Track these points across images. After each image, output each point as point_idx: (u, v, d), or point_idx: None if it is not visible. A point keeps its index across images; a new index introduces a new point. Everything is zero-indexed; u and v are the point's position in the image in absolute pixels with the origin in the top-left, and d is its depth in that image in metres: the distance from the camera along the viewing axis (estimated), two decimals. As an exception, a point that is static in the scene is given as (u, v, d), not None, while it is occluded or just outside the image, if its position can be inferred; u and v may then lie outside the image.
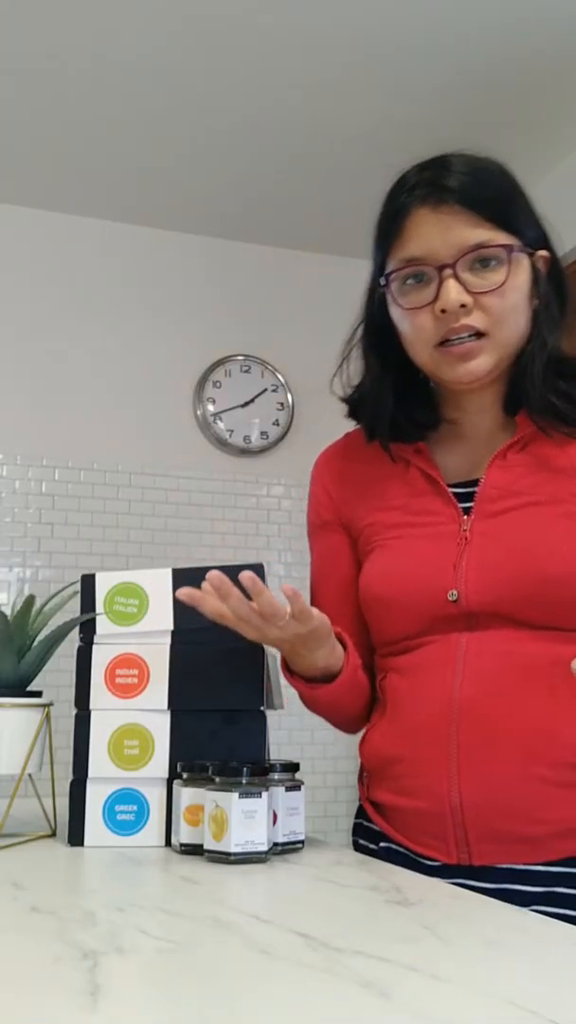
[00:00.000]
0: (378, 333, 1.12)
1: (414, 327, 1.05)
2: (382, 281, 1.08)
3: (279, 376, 3.45)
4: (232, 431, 3.37)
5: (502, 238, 1.02)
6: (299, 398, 3.45)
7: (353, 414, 1.18)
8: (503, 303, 1.02)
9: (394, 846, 1.08)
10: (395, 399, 1.13)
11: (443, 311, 1.02)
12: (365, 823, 1.15)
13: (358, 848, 1.15)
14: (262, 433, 3.40)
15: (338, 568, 1.19)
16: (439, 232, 1.01)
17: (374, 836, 1.12)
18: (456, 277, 1.01)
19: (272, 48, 2.52)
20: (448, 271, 1.01)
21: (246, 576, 0.97)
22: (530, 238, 1.05)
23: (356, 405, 1.17)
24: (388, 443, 1.14)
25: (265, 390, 3.43)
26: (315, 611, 1.01)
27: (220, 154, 3.00)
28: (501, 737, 0.99)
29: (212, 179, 3.13)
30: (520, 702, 0.99)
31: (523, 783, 0.98)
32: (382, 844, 1.10)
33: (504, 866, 0.99)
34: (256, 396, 3.42)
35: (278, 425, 3.42)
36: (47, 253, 3.28)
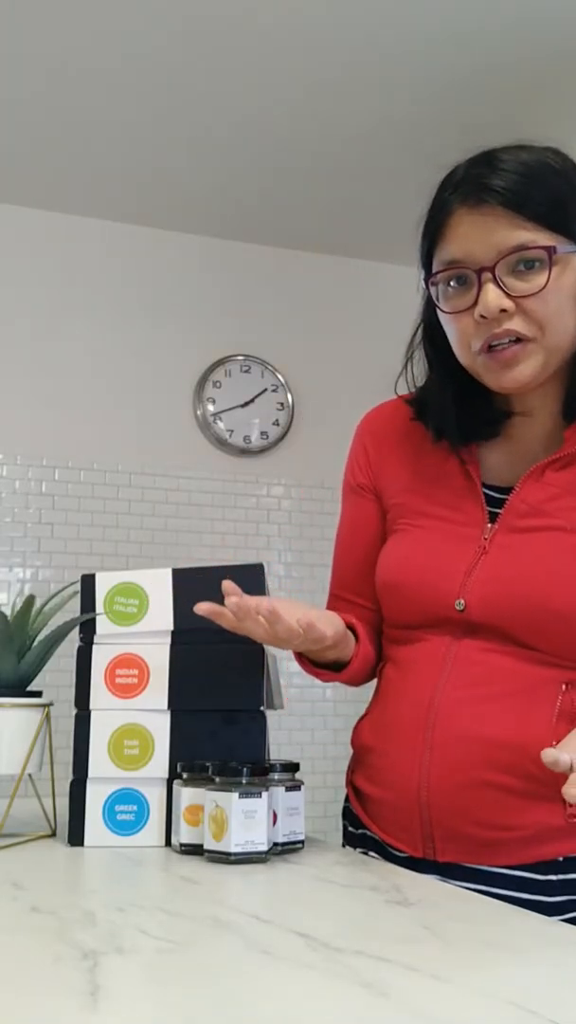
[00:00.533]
0: (434, 332, 1.10)
1: (458, 331, 1.02)
2: (424, 284, 1.06)
3: (279, 376, 3.45)
4: (232, 431, 3.37)
5: (544, 239, 0.97)
6: (299, 398, 3.45)
7: (419, 415, 1.15)
8: (546, 307, 0.98)
9: (369, 833, 1.11)
10: (460, 400, 1.09)
11: (483, 316, 0.98)
12: (348, 806, 1.19)
13: (344, 830, 1.19)
14: (262, 433, 3.40)
15: (367, 537, 1.19)
16: (478, 234, 0.98)
17: (355, 821, 1.16)
18: (496, 280, 0.97)
19: (272, 48, 2.51)
20: (487, 274, 0.97)
21: (264, 607, 0.97)
22: None
23: (422, 406, 1.14)
24: (458, 447, 1.11)
25: (265, 390, 3.43)
26: (328, 631, 1.01)
27: (220, 154, 3.00)
28: (472, 743, 1.00)
29: (212, 179, 3.13)
30: (496, 713, 1.00)
31: (489, 790, 0.99)
32: (360, 830, 1.13)
33: (469, 865, 1.01)
34: (256, 396, 3.42)
35: (278, 425, 3.42)
36: (47, 253, 3.28)
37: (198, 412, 3.36)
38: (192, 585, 1.13)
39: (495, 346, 1.00)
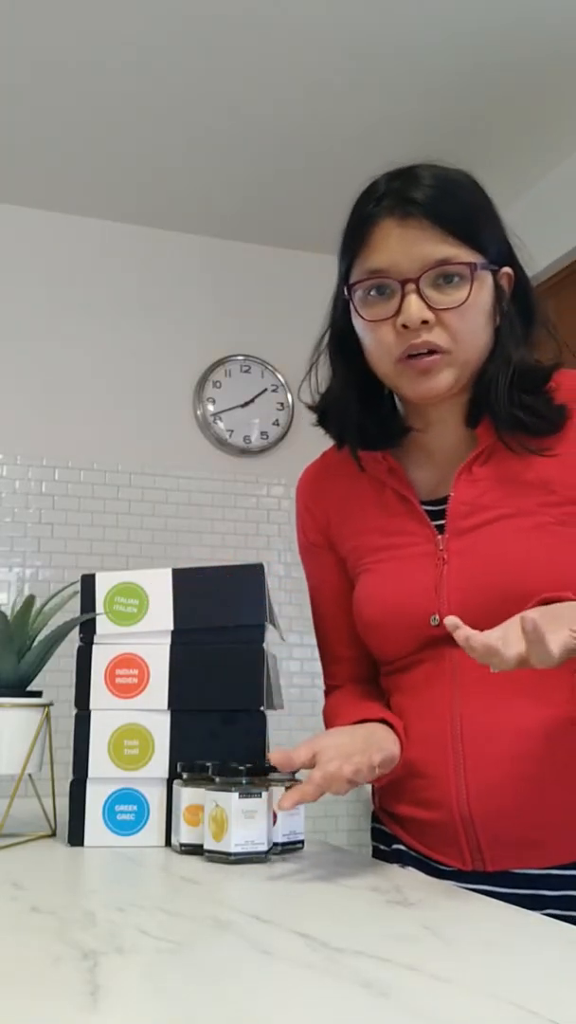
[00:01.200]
0: (343, 339, 1.12)
1: (376, 340, 1.05)
2: (345, 291, 1.08)
3: (279, 376, 3.45)
4: (232, 431, 3.37)
5: (466, 255, 1.01)
6: (299, 398, 3.45)
7: (321, 422, 1.17)
8: (463, 321, 1.01)
9: (404, 848, 1.10)
10: (362, 406, 1.12)
11: (404, 326, 1.01)
12: (379, 826, 1.17)
13: (374, 848, 1.18)
14: (262, 433, 3.40)
15: (332, 588, 1.20)
16: (404, 246, 1.01)
17: (387, 838, 1.14)
18: (419, 292, 1.00)
19: (273, 48, 2.51)
20: (411, 286, 1.00)
21: (345, 776, 0.91)
22: (494, 255, 1.04)
23: (323, 412, 1.17)
24: (357, 451, 1.13)
25: (265, 390, 3.43)
26: (394, 749, 0.98)
27: (220, 154, 3.00)
28: (498, 744, 1.01)
29: (212, 179, 3.13)
30: (513, 708, 1.01)
31: (524, 784, 1.00)
32: (394, 846, 1.12)
33: (519, 871, 1.01)
34: (256, 396, 3.42)
35: (278, 425, 3.42)
36: (47, 253, 3.28)
37: (198, 412, 3.36)
38: (192, 585, 1.13)
39: (413, 356, 1.03)
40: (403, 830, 1.11)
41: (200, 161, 3.03)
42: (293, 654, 2.87)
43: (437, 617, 1.04)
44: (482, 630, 1.01)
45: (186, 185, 3.17)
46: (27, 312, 3.23)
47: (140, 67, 2.58)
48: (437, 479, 1.12)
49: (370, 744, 0.98)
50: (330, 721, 1.15)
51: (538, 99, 2.72)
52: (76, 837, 1.07)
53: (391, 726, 1.06)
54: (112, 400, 3.26)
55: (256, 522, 3.36)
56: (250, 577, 1.13)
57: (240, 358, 3.43)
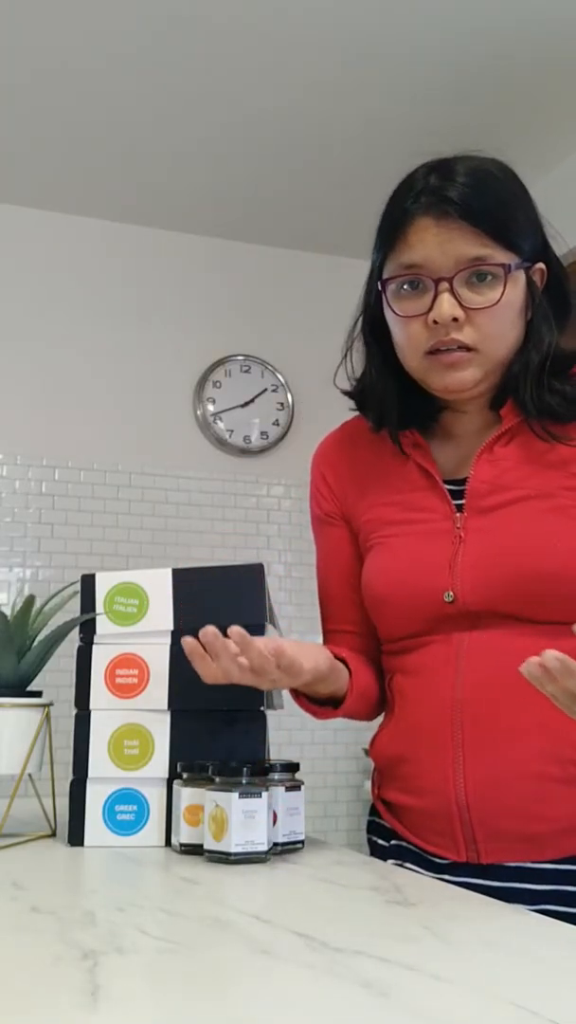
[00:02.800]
0: (377, 325, 1.13)
1: (406, 334, 1.06)
2: (379, 284, 1.09)
3: (279, 376, 3.45)
4: (232, 431, 3.37)
5: (500, 256, 1.02)
6: (299, 398, 3.45)
7: (360, 406, 1.18)
8: (493, 321, 1.03)
9: (404, 843, 1.10)
10: (400, 388, 1.13)
11: (435, 322, 1.03)
12: (377, 820, 1.17)
13: (371, 844, 1.18)
14: (262, 433, 3.40)
15: (343, 563, 1.20)
16: (439, 243, 1.02)
17: (386, 833, 1.14)
18: (452, 291, 1.02)
19: (273, 48, 2.51)
20: (444, 284, 1.02)
21: (235, 632, 0.98)
22: (528, 252, 1.05)
23: (361, 397, 1.18)
24: (397, 433, 1.14)
25: (265, 390, 3.43)
26: (306, 664, 1.02)
27: (220, 154, 3.00)
28: (503, 735, 1.00)
29: (212, 179, 3.13)
30: (521, 700, 0.99)
31: (527, 780, 0.99)
32: (393, 841, 1.12)
33: (512, 864, 1.01)
34: (256, 396, 3.42)
35: (278, 425, 3.42)
36: (47, 253, 3.28)
37: (198, 412, 3.36)
38: (192, 585, 1.13)
39: (440, 350, 1.05)
40: (399, 821, 1.11)
41: (201, 161, 3.03)
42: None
43: (452, 594, 1.04)
44: (497, 612, 1.02)
45: (186, 185, 3.17)
46: (27, 312, 3.23)
47: (140, 67, 2.58)
48: (458, 458, 1.13)
49: (290, 643, 1.02)
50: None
51: (538, 99, 2.72)
52: (76, 837, 1.07)
53: (345, 664, 1.11)
54: (112, 400, 3.26)
55: (256, 522, 3.36)
56: (250, 577, 1.13)
57: (240, 358, 3.43)
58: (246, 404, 3.40)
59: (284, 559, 3.34)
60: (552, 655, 0.80)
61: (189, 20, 2.41)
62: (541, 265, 1.08)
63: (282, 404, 3.44)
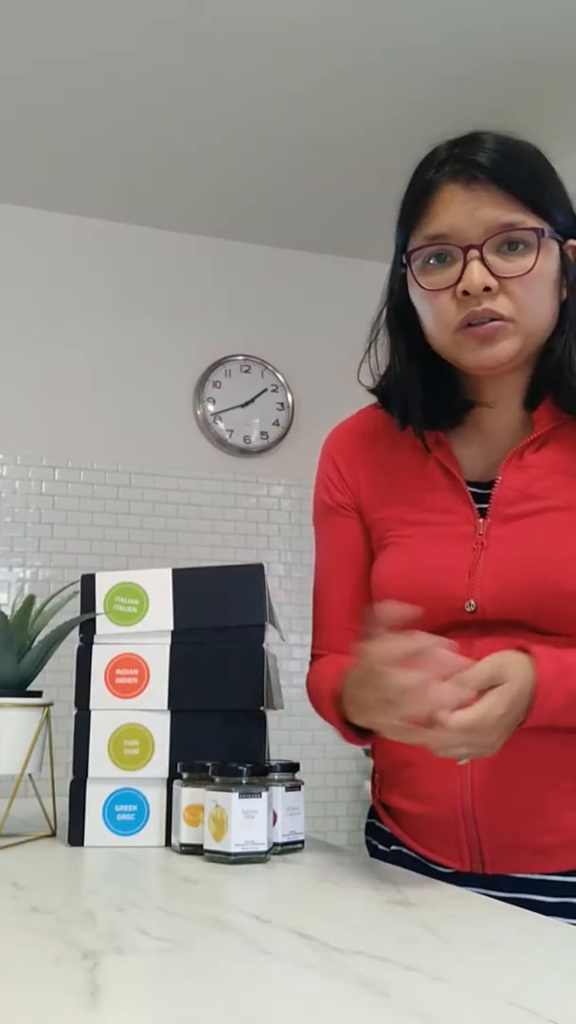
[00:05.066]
0: (402, 314, 1.06)
1: (434, 309, 0.99)
2: (404, 259, 1.02)
3: (279, 376, 3.45)
4: (232, 431, 3.37)
5: (532, 221, 0.96)
6: (299, 398, 3.45)
7: (383, 402, 1.12)
8: (528, 290, 0.97)
9: (405, 850, 1.06)
10: (426, 384, 1.06)
11: (465, 293, 0.96)
12: (377, 823, 1.13)
13: (370, 847, 1.14)
14: (262, 433, 3.40)
15: (353, 554, 1.13)
16: (467, 210, 0.96)
17: (386, 838, 1.10)
18: (482, 259, 0.95)
19: (273, 48, 2.51)
20: (474, 252, 0.95)
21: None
22: (562, 225, 0.99)
23: (385, 393, 1.11)
24: (423, 431, 1.08)
25: (265, 390, 3.43)
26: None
27: (220, 154, 3.00)
28: (514, 744, 0.93)
29: (212, 179, 3.13)
30: None
31: (537, 790, 0.97)
32: (393, 847, 1.08)
33: (518, 875, 0.98)
34: (256, 396, 3.42)
35: (278, 425, 3.42)
36: (47, 253, 3.28)
37: (198, 412, 3.36)
38: (192, 585, 1.13)
39: (473, 324, 0.98)
40: (400, 826, 1.08)
41: (201, 161, 3.03)
42: (293, 654, 2.87)
43: (473, 603, 0.99)
44: (513, 621, 0.98)
45: (187, 185, 3.17)
46: (27, 312, 3.23)
47: (140, 67, 2.58)
48: (485, 460, 1.07)
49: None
50: (316, 687, 1.09)
51: (538, 99, 2.72)
52: (76, 837, 1.07)
53: None
54: (112, 400, 3.26)
55: (256, 522, 3.35)
56: (250, 577, 1.13)
57: (240, 358, 3.42)
58: (246, 404, 3.40)
59: (284, 559, 3.34)
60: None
61: (189, 20, 2.40)
62: (574, 242, 1.01)
63: (282, 404, 3.44)
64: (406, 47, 2.52)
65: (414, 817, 1.05)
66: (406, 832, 1.07)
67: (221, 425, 3.36)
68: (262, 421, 3.41)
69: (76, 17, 2.39)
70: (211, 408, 3.36)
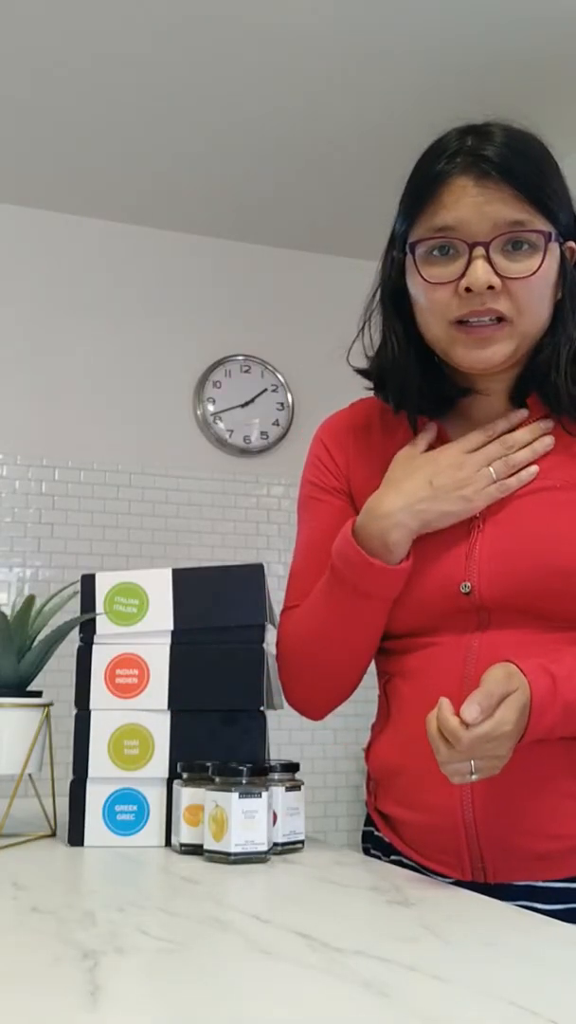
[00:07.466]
0: (397, 300, 1.06)
1: (432, 301, 0.99)
2: (406, 248, 1.01)
3: (279, 376, 3.45)
4: (232, 431, 3.37)
5: (539, 222, 0.97)
6: (299, 398, 3.45)
7: (377, 387, 1.11)
8: (530, 292, 0.97)
9: (404, 860, 1.04)
10: (421, 370, 1.06)
11: (468, 290, 0.96)
12: (374, 832, 1.11)
13: (368, 855, 1.11)
14: (262, 433, 3.40)
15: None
16: (477, 205, 0.96)
17: (385, 848, 1.08)
18: (487, 257, 0.95)
19: (273, 48, 2.51)
20: (480, 249, 0.95)
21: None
22: (564, 226, 1.00)
23: (379, 376, 1.10)
24: (416, 416, 1.07)
25: (265, 390, 3.43)
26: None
27: (220, 154, 3.00)
28: (514, 750, 0.90)
29: (212, 179, 3.13)
30: None
31: (540, 796, 0.95)
32: (393, 857, 1.06)
33: (521, 883, 0.96)
34: (256, 396, 3.42)
35: (278, 425, 3.42)
36: (47, 253, 3.28)
37: (198, 412, 3.36)
38: (192, 585, 1.13)
39: (472, 322, 0.98)
40: (397, 835, 1.05)
41: (201, 161, 3.03)
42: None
43: (468, 585, 0.99)
44: (512, 603, 0.97)
45: (186, 185, 3.17)
46: (27, 312, 3.23)
47: (140, 67, 2.58)
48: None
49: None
50: (299, 624, 1.08)
51: (538, 99, 2.72)
52: (76, 837, 1.07)
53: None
54: (112, 400, 3.26)
55: (256, 522, 3.35)
56: (250, 577, 1.13)
57: (240, 358, 3.42)
58: (246, 404, 3.40)
59: (284, 559, 3.33)
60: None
61: (189, 20, 2.40)
62: (572, 243, 1.02)
63: (282, 404, 3.44)
64: (406, 47, 2.52)
65: (411, 826, 1.03)
66: (403, 841, 1.05)
67: (221, 425, 3.36)
68: (262, 421, 3.41)
69: (76, 17, 2.39)
70: (211, 408, 3.36)
